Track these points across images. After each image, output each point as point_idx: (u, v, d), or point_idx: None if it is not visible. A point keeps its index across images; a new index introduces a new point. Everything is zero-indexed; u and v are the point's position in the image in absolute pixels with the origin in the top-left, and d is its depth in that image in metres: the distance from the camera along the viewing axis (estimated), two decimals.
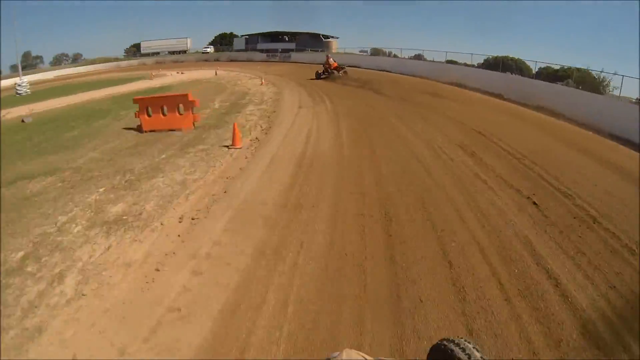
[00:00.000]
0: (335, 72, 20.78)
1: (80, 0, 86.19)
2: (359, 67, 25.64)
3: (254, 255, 3.81)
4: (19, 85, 25.86)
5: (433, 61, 22.05)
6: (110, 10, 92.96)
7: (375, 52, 35.66)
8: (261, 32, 53.53)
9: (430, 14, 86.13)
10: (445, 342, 1.38)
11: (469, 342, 1.35)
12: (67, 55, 74.98)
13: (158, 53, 55.17)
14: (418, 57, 25.57)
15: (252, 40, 52.86)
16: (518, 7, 73.17)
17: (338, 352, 1.43)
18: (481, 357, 1.26)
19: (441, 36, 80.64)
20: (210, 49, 55.40)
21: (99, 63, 53.43)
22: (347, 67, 21.77)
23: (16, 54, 31.74)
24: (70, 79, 38.45)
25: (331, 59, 21.65)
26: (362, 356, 1.37)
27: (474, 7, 78.31)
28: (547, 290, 3.24)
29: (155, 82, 23.22)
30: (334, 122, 10.18)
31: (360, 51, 36.42)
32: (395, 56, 27.81)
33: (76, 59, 71.25)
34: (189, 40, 56.44)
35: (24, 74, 55.57)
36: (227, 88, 18.35)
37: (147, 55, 55.39)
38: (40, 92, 26.29)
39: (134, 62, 52.89)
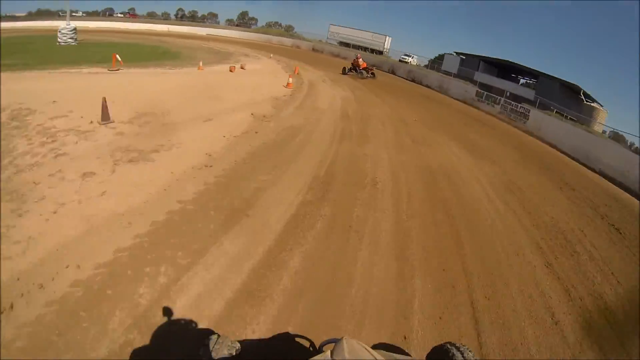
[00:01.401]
0: (364, 72, 21.98)
1: None
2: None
3: None
4: (62, 32, 19.42)
5: None
6: None
7: None
8: (487, 56, 34.87)
9: None
10: (447, 345, 1.77)
11: (470, 351, 1.73)
12: (279, 24, 73.41)
13: (348, 45, 43.41)
14: None
15: (470, 63, 34.86)
16: None
17: (336, 339, 1.60)
18: None
19: None
20: (413, 60, 39.67)
21: (260, 33, 45.89)
22: (374, 69, 23.21)
23: None
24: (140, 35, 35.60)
25: (361, 59, 22.73)
26: (363, 345, 1.51)
27: None
28: None
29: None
30: None
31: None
32: None
33: (288, 30, 68.68)
34: (387, 39, 42.63)
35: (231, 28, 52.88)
36: None
37: (344, 44, 44.37)
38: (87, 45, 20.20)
39: (288, 41, 42.72)
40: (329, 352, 1.53)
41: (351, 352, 1.44)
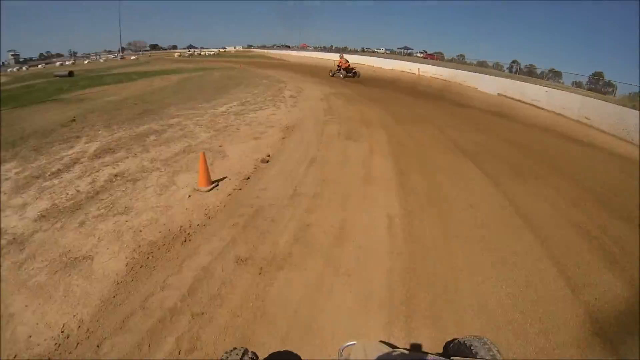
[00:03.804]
0: (346, 72, 22.52)
1: None
2: None
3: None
4: None
5: None
6: None
7: None
8: None
9: None
10: (472, 340, 1.72)
11: (495, 345, 1.68)
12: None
13: None
14: None
15: None
16: None
17: (352, 343, 1.56)
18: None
19: None
20: None
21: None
22: (357, 69, 23.27)
23: None
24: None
25: (343, 60, 23.01)
26: (381, 345, 1.48)
27: None
28: None
29: None
30: None
31: None
32: None
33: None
34: None
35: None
36: None
37: None
38: None
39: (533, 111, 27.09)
40: (347, 355, 1.53)
41: (370, 354, 1.41)
